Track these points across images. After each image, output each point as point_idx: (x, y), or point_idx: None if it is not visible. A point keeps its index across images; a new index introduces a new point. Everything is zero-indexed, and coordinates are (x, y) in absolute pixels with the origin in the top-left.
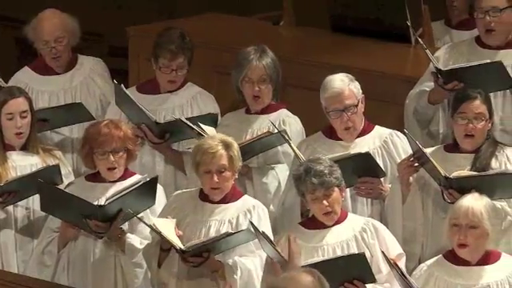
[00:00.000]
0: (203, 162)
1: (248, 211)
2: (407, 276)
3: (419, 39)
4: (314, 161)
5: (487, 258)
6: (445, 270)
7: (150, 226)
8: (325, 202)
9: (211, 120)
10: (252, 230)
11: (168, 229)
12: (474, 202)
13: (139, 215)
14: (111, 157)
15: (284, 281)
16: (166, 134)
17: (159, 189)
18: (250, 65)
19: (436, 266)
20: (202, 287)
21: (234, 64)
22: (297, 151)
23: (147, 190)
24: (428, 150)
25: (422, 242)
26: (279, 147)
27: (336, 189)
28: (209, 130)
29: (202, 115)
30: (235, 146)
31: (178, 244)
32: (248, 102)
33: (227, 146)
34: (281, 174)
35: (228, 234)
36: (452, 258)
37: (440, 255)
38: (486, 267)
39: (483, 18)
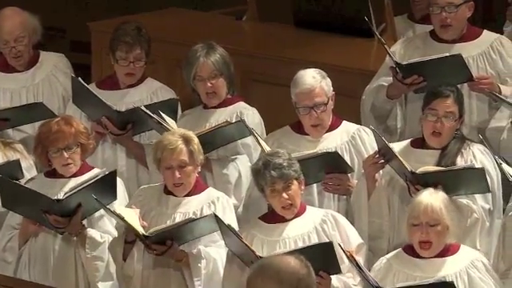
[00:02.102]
0: (164, 158)
1: (212, 203)
2: (363, 268)
3: (377, 33)
4: (272, 154)
5: (446, 250)
6: (404, 263)
7: (112, 212)
8: (284, 194)
9: (171, 107)
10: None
11: (131, 217)
12: (431, 198)
13: (100, 211)
14: (65, 153)
15: (271, 258)
16: (128, 125)
17: (119, 183)
18: (198, 63)
19: (395, 259)
20: (167, 278)
21: (184, 63)
22: (262, 142)
23: (106, 184)
24: (394, 146)
25: (389, 237)
26: None
27: (295, 182)
28: (170, 121)
29: (163, 101)
30: (195, 140)
31: (141, 230)
32: (203, 100)
33: (187, 141)
34: (241, 165)
35: (191, 220)
36: (411, 251)
37: (399, 249)
38: (445, 259)
39: (439, 13)
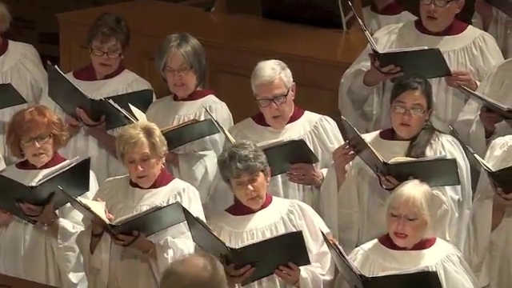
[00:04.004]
0: (126, 152)
1: (178, 194)
2: (345, 256)
3: (359, 19)
4: (238, 146)
5: (423, 243)
6: (380, 254)
7: (78, 203)
8: (250, 186)
9: (145, 98)
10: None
11: (98, 208)
12: (414, 191)
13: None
14: (36, 143)
15: (176, 264)
16: (102, 116)
17: (92, 175)
18: (169, 53)
19: (371, 249)
20: (135, 270)
21: (156, 51)
22: (229, 136)
23: (79, 172)
24: (365, 137)
25: (358, 228)
26: None
27: (261, 173)
28: (138, 113)
29: (137, 92)
30: (157, 132)
31: (107, 220)
32: (171, 90)
33: (149, 134)
34: (208, 160)
35: (157, 208)
36: (388, 242)
37: (376, 239)
38: (422, 251)
39: (428, 4)
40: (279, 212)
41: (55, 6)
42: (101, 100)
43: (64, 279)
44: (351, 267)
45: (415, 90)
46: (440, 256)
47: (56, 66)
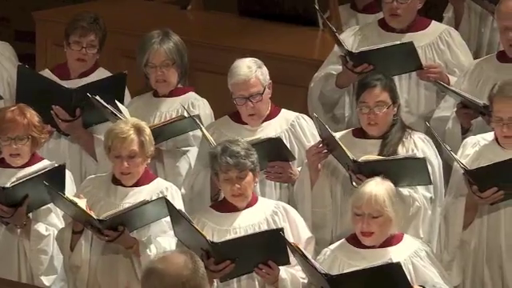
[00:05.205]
0: (114, 146)
1: (161, 193)
2: (309, 257)
3: (327, 22)
4: (232, 142)
5: (390, 240)
6: (348, 254)
7: (65, 198)
8: (237, 185)
9: (119, 80)
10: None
11: (81, 204)
12: (376, 189)
13: (47, 206)
14: (13, 145)
15: (157, 262)
16: (77, 109)
17: (68, 175)
18: (151, 49)
19: (339, 249)
20: (115, 266)
21: (138, 48)
22: (208, 135)
23: (54, 177)
24: (337, 135)
25: (332, 227)
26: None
27: (250, 173)
28: (124, 110)
29: (109, 76)
30: (147, 131)
31: (94, 215)
32: (153, 86)
33: (139, 131)
34: (192, 157)
35: (144, 203)
36: (355, 241)
37: (343, 239)
38: (389, 248)
39: (391, 2)
40: (264, 213)
41: (30, 4)
42: (80, 93)
43: (36, 281)
44: (315, 267)
45: (374, 87)
46: (408, 252)
47: (27, 66)
